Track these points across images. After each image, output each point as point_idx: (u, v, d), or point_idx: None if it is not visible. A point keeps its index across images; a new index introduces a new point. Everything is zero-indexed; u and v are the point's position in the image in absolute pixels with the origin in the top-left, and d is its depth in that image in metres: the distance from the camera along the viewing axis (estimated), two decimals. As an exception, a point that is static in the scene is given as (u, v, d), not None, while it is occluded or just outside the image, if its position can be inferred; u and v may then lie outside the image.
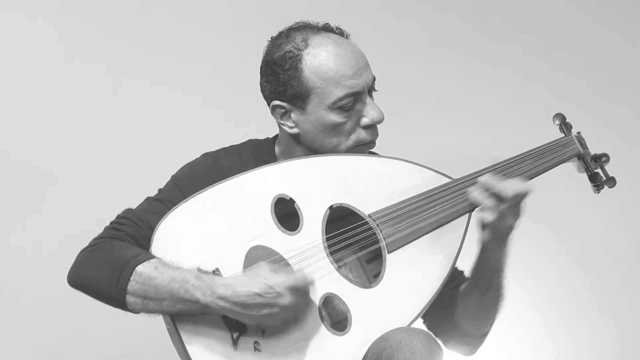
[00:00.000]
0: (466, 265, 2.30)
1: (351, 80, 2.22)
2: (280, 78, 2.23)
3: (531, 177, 2.32)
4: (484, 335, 2.34)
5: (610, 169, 2.43)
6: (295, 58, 2.22)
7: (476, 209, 2.22)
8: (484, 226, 2.19)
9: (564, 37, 3.85)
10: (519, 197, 2.16)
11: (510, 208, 2.16)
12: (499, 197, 2.16)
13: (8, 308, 3.40)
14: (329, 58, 2.22)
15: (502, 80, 3.79)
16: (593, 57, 3.85)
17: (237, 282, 2.03)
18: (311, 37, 2.24)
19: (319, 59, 2.22)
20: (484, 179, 2.20)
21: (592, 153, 2.43)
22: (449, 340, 2.34)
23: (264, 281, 2.02)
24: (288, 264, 2.13)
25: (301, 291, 2.05)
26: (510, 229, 2.19)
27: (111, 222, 2.22)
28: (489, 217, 2.16)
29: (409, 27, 3.76)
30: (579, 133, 2.44)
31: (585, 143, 2.43)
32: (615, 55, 3.87)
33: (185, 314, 2.05)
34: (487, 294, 2.26)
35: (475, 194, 2.20)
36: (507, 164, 2.30)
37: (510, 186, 2.16)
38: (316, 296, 2.11)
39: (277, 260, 2.12)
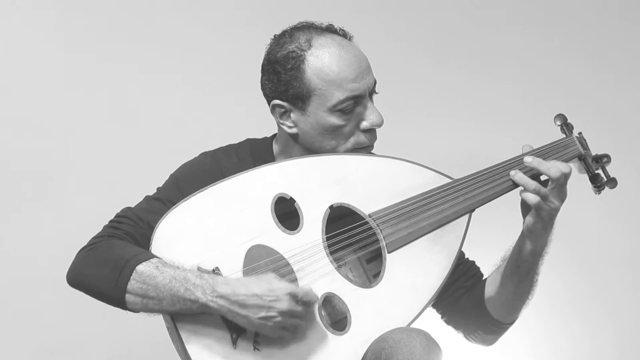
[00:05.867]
0: (500, 252, 2.32)
1: (353, 83, 2.21)
2: (282, 77, 2.23)
3: (532, 179, 2.33)
4: (512, 323, 2.35)
5: (611, 169, 2.42)
6: (298, 58, 2.22)
7: (519, 191, 2.21)
8: (527, 210, 2.20)
9: (565, 36, 3.85)
10: (563, 177, 2.18)
11: (553, 190, 2.18)
12: (541, 179, 2.20)
13: (7, 308, 3.40)
14: (331, 60, 2.21)
15: (503, 80, 3.79)
16: (594, 56, 3.85)
17: (239, 282, 2.04)
18: (315, 38, 2.23)
19: (321, 61, 2.21)
20: (528, 159, 2.21)
21: (594, 154, 2.43)
22: (473, 332, 2.34)
23: (265, 284, 2.02)
24: (288, 264, 2.13)
25: (300, 301, 2.04)
26: (555, 211, 2.20)
27: (110, 221, 2.22)
28: (534, 198, 2.17)
29: (410, 26, 3.76)
30: (580, 134, 2.43)
31: (586, 144, 2.43)
32: (616, 54, 3.86)
33: (184, 313, 2.05)
34: (526, 279, 2.27)
35: (519, 175, 2.21)
36: (508, 164, 2.30)
37: (554, 165, 2.19)
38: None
39: (277, 260, 2.12)
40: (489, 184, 2.27)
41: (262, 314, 2.02)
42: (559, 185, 2.18)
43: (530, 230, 2.22)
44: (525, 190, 2.19)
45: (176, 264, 2.07)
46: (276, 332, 2.05)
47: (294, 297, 2.03)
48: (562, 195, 2.20)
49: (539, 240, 2.23)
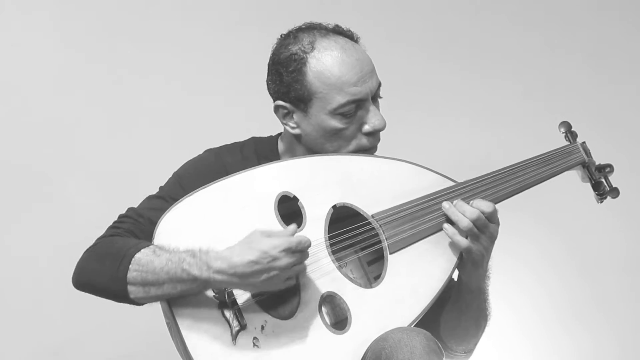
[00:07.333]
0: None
1: (354, 87, 2.21)
2: (284, 79, 2.24)
3: (534, 185, 2.33)
4: (467, 352, 2.34)
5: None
6: (300, 61, 2.22)
7: (446, 228, 2.22)
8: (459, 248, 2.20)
9: (565, 37, 3.85)
10: (482, 217, 2.17)
11: (482, 230, 2.18)
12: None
13: (9, 308, 3.40)
14: (333, 63, 2.21)
15: (506, 81, 3.79)
16: (594, 56, 3.85)
17: (232, 253, 2.03)
18: (318, 40, 2.24)
19: (323, 64, 2.21)
20: (446, 205, 2.21)
21: (597, 163, 2.44)
22: None
23: (258, 247, 2.02)
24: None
25: (297, 251, 2.04)
26: (485, 251, 2.20)
27: (113, 222, 2.22)
28: (461, 241, 2.18)
29: (411, 26, 3.76)
30: (584, 142, 2.44)
31: (590, 152, 2.44)
32: (616, 55, 3.87)
33: (188, 294, 2.05)
34: (467, 314, 2.27)
35: (452, 210, 2.21)
36: (512, 169, 2.31)
37: (469, 209, 2.18)
38: (316, 295, 2.12)
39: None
40: (492, 188, 2.28)
41: (264, 276, 2.02)
42: (481, 225, 2.17)
43: (462, 269, 2.23)
44: (456, 228, 2.19)
45: (173, 247, 2.07)
46: (282, 286, 2.06)
47: (289, 251, 2.03)
48: (490, 236, 2.19)
49: (471, 279, 2.24)
